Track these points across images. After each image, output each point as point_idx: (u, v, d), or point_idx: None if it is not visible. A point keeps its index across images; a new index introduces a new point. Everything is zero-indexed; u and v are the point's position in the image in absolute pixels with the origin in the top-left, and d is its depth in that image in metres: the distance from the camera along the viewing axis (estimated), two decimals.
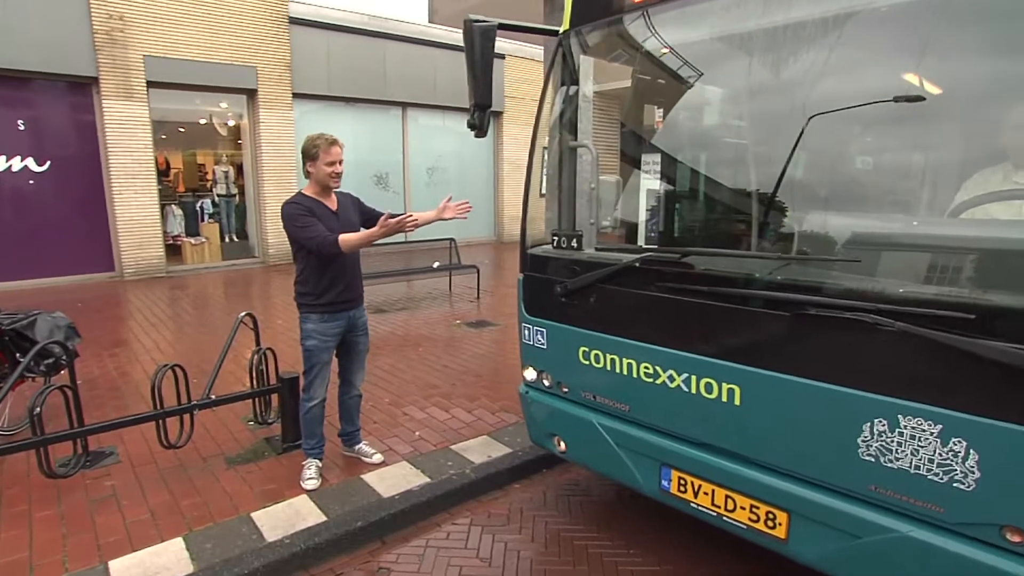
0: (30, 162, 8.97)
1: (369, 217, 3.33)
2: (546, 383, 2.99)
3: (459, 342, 6.07)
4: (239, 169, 11.70)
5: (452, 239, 8.69)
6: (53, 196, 9.26)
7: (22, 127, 8.90)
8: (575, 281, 2.68)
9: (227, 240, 11.43)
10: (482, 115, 2.90)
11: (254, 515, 2.95)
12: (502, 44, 14.60)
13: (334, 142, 3.03)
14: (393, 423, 4.05)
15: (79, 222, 9.49)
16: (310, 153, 3.01)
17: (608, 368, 2.61)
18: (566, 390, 2.89)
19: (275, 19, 10.70)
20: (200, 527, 2.85)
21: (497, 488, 3.46)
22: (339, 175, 3.05)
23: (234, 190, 11.54)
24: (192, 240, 10.84)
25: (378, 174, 12.88)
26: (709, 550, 2.83)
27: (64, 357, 3.60)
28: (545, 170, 3.16)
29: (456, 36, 13.46)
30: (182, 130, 12.74)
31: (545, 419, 3.01)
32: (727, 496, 2.33)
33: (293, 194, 3.13)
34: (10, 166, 8.83)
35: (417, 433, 3.89)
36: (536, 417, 3.08)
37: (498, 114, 14.67)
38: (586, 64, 3.06)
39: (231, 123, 11.77)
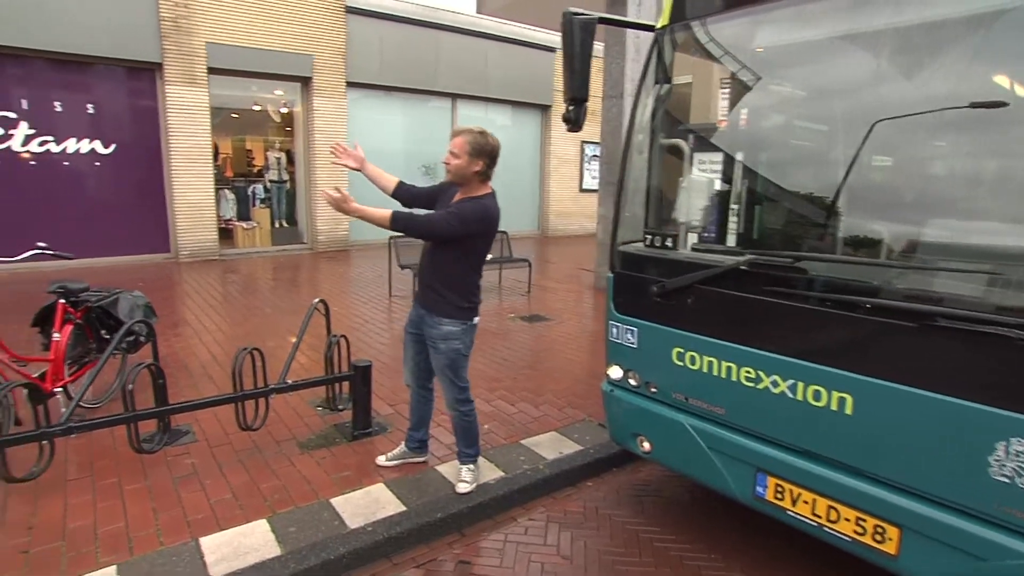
0: (97, 144, 9.25)
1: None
2: (632, 382, 2.94)
3: (515, 336, 6.05)
4: (289, 156, 11.88)
5: (504, 232, 8.67)
6: (116, 178, 9.53)
7: (91, 111, 9.16)
8: (673, 282, 2.62)
9: (277, 225, 11.62)
10: (578, 109, 2.85)
11: (333, 501, 2.97)
12: (551, 37, 14.49)
13: (454, 134, 2.87)
14: None
15: (139, 204, 9.76)
16: None
17: (704, 370, 2.55)
18: (654, 390, 2.84)
19: (332, 8, 10.79)
20: (283, 510, 2.88)
21: (569, 485, 3.44)
22: (448, 167, 2.84)
23: (285, 176, 11.71)
24: (244, 224, 11.05)
25: (426, 164, 12.93)
26: (795, 557, 2.75)
27: (143, 336, 3.70)
28: (625, 165, 3.09)
29: (507, 28, 13.41)
30: (235, 116, 12.96)
31: (630, 418, 2.96)
32: (830, 506, 2.26)
33: None
34: (79, 148, 9.12)
35: (487, 426, 3.87)
36: (620, 416, 3.03)
37: (546, 108, 14.61)
38: (681, 61, 2.98)
39: (284, 110, 11.94)
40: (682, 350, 2.65)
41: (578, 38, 2.75)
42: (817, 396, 2.22)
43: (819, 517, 2.29)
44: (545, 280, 9.21)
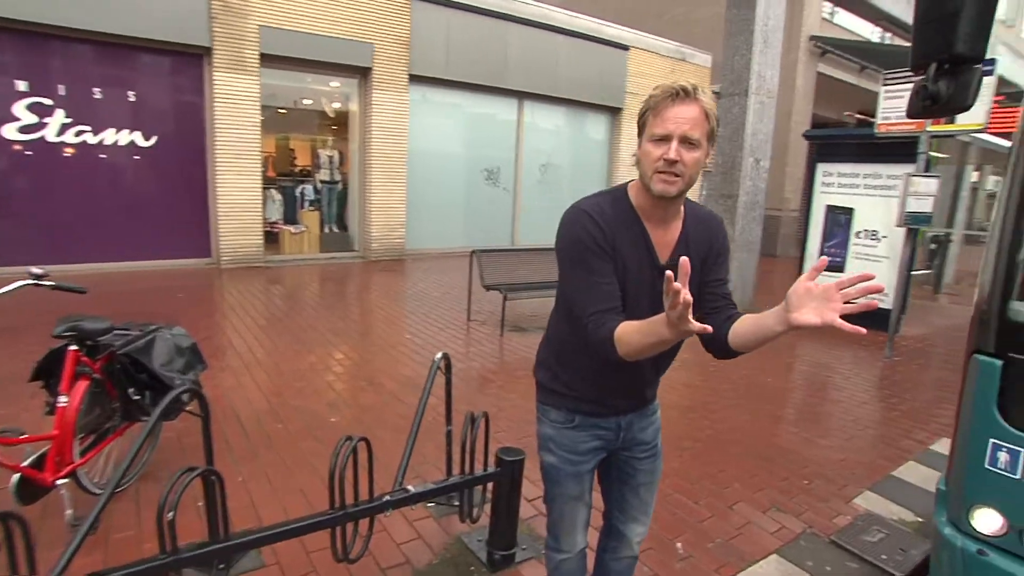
0: (137, 136, 8.27)
1: (709, 280, 1.62)
2: None
3: None
4: (343, 154, 10.83)
5: None
6: (156, 174, 8.55)
7: (132, 99, 8.20)
8: None
9: (327, 230, 10.55)
10: (966, 76, 1.58)
11: None
12: (623, 34, 13.26)
13: (679, 94, 1.39)
14: None
15: (180, 203, 8.77)
16: (640, 118, 1.48)
17: None
18: None
19: None
20: None
21: None
22: (673, 170, 1.41)
23: (338, 176, 10.65)
24: (291, 228, 10.01)
25: (489, 168, 11.81)
26: None
27: (187, 402, 2.52)
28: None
29: (579, 22, 12.24)
30: (282, 111, 11.98)
31: None
32: None
33: (593, 193, 1.60)
34: (117, 140, 8.15)
35: (678, 544, 2.63)
36: None
37: (616, 111, 13.37)
38: None
39: (337, 105, 10.89)
40: None
41: None
42: None
43: None
44: None
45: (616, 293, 1.47)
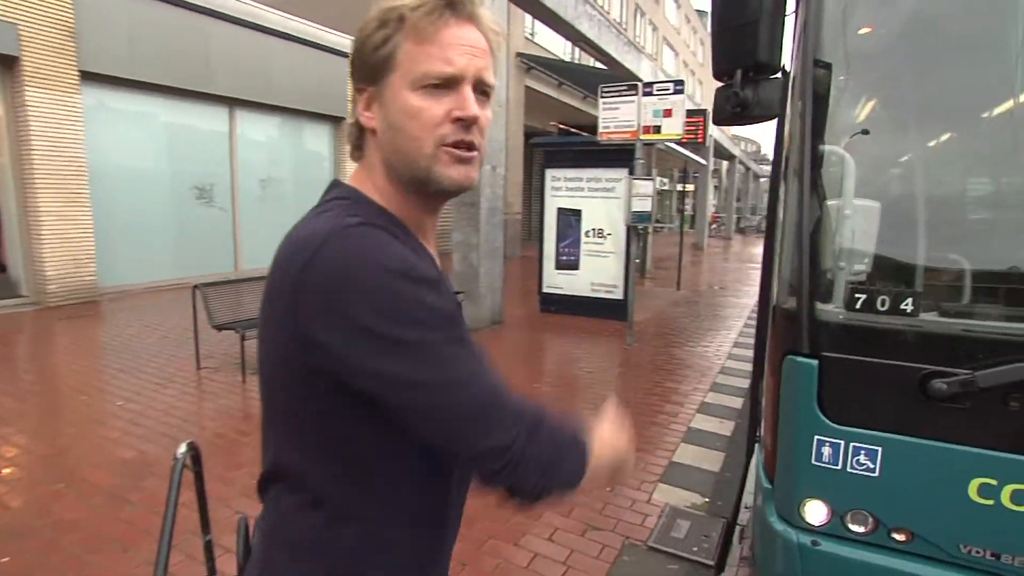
0: None
1: None
2: (858, 528, 1.75)
3: None
4: None
5: None
6: None
7: None
8: (995, 374, 1.49)
9: None
10: (765, 87, 1.60)
11: None
12: (343, 40, 12.68)
13: (455, 5, 0.77)
14: None
15: None
16: (374, 51, 0.79)
17: None
18: (904, 539, 1.70)
19: None
20: None
21: None
22: (471, 138, 0.80)
23: None
24: None
25: (200, 186, 10.19)
26: None
27: None
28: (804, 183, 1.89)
29: (293, 25, 11.34)
30: None
31: None
32: None
33: (336, 213, 0.82)
34: None
35: None
36: None
37: (339, 120, 12.74)
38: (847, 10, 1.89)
39: None
40: (994, 482, 1.56)
41: None
42: None
43: None
44: None
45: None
